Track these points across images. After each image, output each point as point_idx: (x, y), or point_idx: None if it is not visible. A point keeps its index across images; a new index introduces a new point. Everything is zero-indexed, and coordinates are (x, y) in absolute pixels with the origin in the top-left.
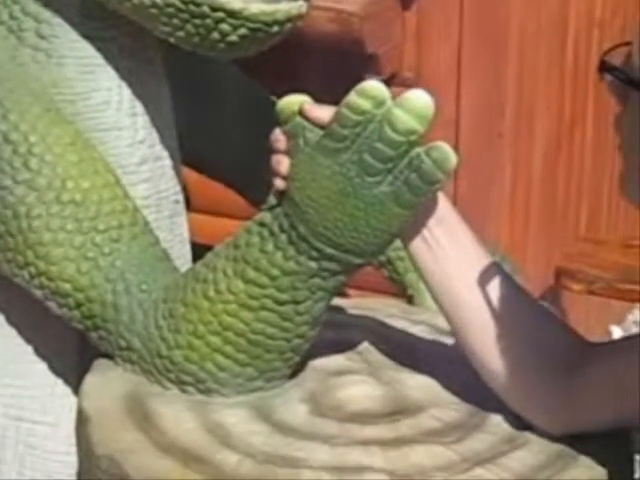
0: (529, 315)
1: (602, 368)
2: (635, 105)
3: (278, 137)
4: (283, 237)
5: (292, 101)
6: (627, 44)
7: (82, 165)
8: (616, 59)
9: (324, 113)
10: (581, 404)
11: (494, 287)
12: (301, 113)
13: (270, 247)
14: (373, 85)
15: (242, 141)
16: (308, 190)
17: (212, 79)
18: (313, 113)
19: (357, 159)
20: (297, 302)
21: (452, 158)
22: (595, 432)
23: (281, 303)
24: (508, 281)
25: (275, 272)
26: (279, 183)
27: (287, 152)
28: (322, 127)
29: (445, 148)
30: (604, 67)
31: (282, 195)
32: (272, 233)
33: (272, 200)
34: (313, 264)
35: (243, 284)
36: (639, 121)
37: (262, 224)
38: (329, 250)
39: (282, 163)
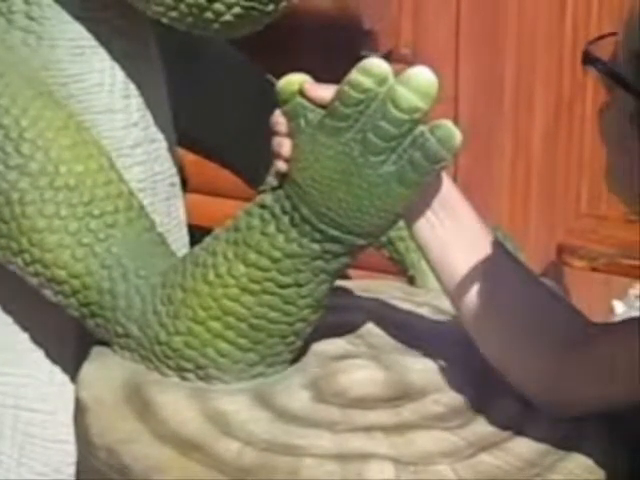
0: (531, 292)
1: (600, 348)
2: (618, 99)
3: (278, 119)
4: (285, 219)
5: (292, 81)
6: (613, 34)
7: (75, 149)
8: (604, 49)
9: (325, 92)
10: (572, 381)
11: (496, 266)
12: (301, 93)
13: (272, 229)
14: (375, 62)
15: (238, 120)
16: (310, 171)
17: (207, 58)
18: (314, 92)
19: (360, 138)
20: (300, 285)
21: (457, 136)
22: (584, 414)
23: (283, 286)
24: (510, 259)
25: (277, 255)
26: (281, 165)
27: (288, 134)
28: (323, 107)
29: (449, 126)
30: (587, 58)
31: (284, 177)
32: (274, 215)
33: (272, 182)
34: (316, 246)
35: (244, 267)
36: (622, 116)
37: (263, 206)
38: (332, 231)
39: (283, 145)
